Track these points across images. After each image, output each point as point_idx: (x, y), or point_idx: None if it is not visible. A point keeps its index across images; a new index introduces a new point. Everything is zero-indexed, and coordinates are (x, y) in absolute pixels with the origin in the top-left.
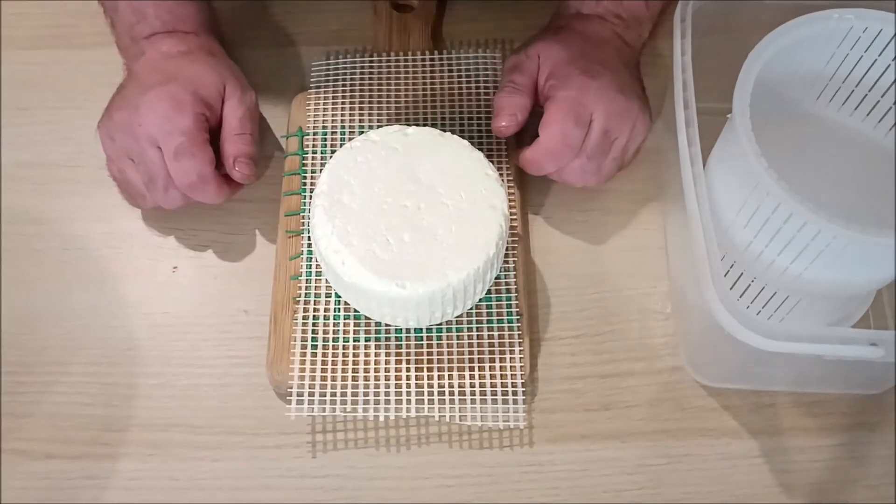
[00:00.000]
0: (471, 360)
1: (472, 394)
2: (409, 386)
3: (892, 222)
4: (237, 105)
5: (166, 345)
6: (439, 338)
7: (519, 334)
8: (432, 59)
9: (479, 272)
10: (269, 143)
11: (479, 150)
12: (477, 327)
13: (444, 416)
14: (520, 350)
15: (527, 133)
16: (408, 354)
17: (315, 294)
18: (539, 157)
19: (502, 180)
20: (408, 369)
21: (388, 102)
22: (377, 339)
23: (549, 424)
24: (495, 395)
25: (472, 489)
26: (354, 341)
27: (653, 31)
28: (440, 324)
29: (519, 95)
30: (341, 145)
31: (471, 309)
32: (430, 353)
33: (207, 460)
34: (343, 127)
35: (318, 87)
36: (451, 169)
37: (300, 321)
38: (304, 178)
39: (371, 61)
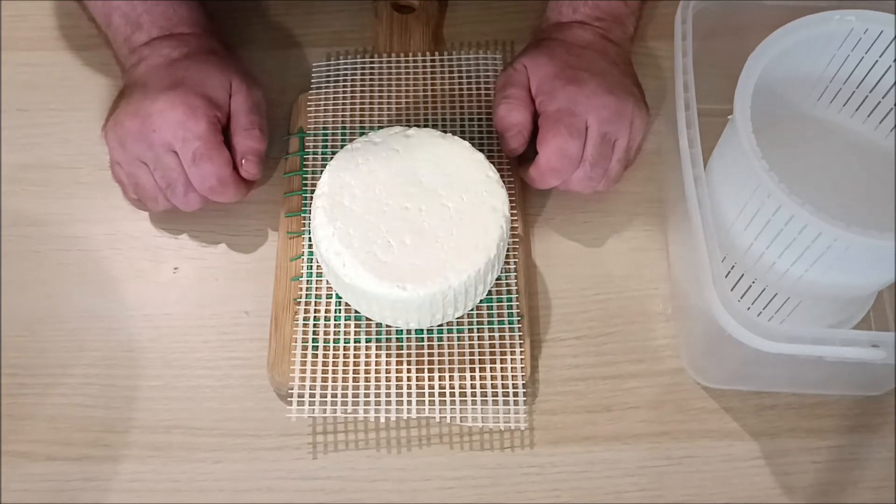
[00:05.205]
0: (472, 362)
1: (473, 395)
2: (409, 387)
3: (893, 224)
4: (245, 100)
5: (167, 346)
6: (440, 339)
7: (520, 336)
8: (433, 61)
9: (480, 274)
10: (271, 144)
11: (481, 151)
12: (478, 329)
13: (445, 417)
14: (521, 351)
15: (529, 145)
16: (408, 356)
17: (316, 295)
18: (541, 176)
19: (503, 182)
20: (408, 370)
21: (388, 104)
22: (378, 341)
23: (550, 426)
24: (496, 396)
25: (472, 490)
26: (355, 342)
27: (639, 24)
28: (441, 325)
29: (517, 110)
30: (342, 146)
31: (472, 310)
32: (430, 355)
33: (208, 462)
34: (344, 128)
35: (319, 88)
36: (453, 171)
37: (301, 322)
38: (305, 179)
39: (372, 62)
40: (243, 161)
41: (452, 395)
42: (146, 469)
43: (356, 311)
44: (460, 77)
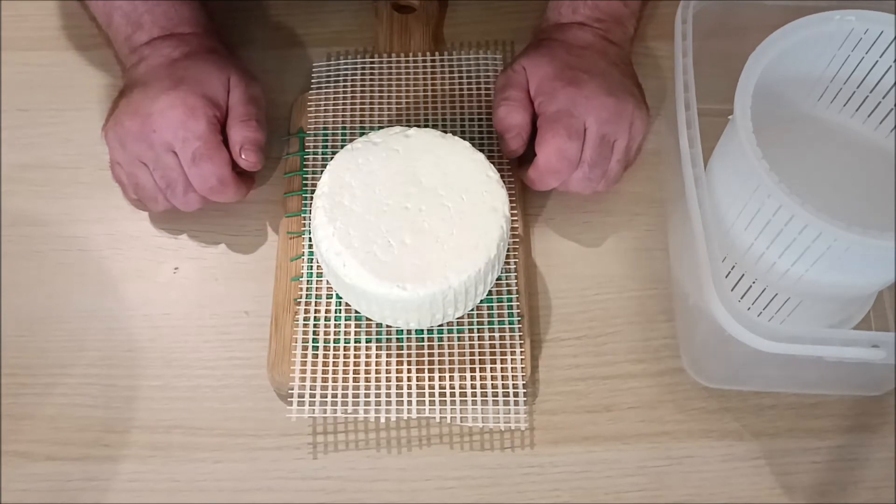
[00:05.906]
0: (472, 362)
1: (473, 395)
2: (409, 387)
3: (893, 224)
4: (242, 93)
5: (167, 346)
6: (440, 339)
7: (520, 336)
8: (433, 61)
9: (480, 274)
10: (271, 144)
11: (481, 151)
12: (478, 329)
13: (445, 417)
14: (521, 351)
15: (528, 147)
16: (409, 356)
17: (316, 295)
18: (540, 177)
19: (503, 182)
20: (409, 370)
21: (389, 104)
22: (378, 341)
23: (550, 426)
24: (496, 396)
25: (472, 491)
26: (355, 342)
27: (639, 25)
28: (441, 325)
29: (517, 112)
30: (342, 146)
31: (472, 310)
32: (430, 355)
33: (208, 462)
34: (344, 128)
35: (319, 88)
36: (453, 171)
37: (301, 322)
38: (305, 179)
39: (372, 62)
40: (241, 152)
41: (452, 395)
42: (146, 469)
43: (356, 311)
44: (460, 77)
